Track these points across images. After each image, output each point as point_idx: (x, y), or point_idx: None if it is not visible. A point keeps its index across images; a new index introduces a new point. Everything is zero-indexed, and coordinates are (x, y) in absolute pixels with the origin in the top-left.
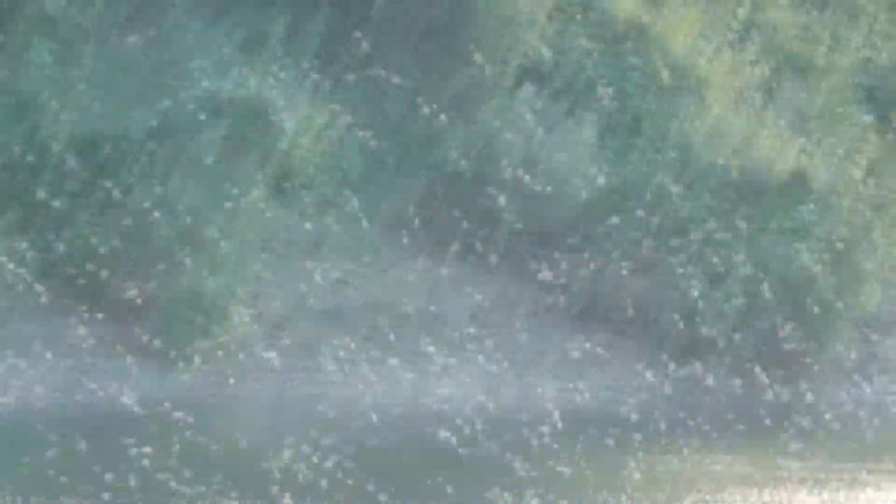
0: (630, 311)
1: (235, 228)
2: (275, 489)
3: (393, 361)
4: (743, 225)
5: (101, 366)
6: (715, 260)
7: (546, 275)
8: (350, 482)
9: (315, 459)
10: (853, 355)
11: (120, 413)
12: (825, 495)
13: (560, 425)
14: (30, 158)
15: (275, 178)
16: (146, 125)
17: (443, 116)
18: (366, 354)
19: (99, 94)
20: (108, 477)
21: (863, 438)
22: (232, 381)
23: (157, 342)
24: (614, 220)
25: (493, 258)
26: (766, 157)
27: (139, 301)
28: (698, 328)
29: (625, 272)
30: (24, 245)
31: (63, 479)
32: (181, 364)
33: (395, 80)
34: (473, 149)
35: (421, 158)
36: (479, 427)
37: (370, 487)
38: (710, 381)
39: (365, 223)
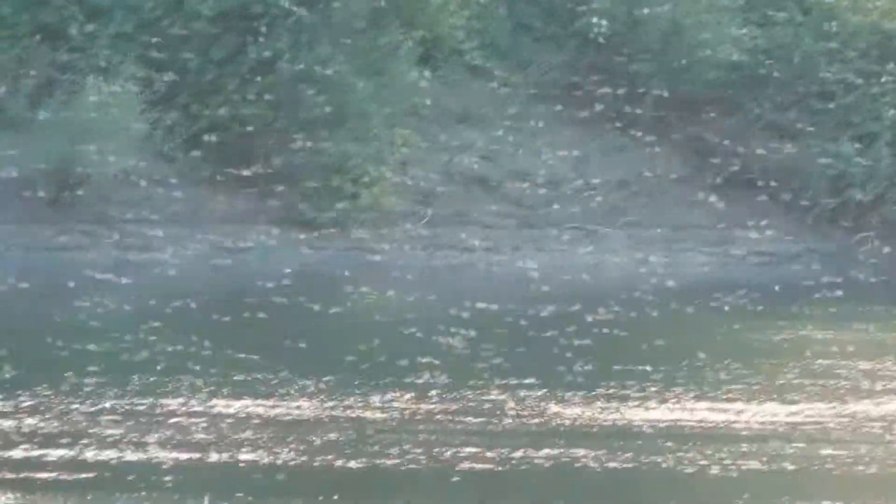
0: (776, 177)
1: (383, 96)
2: (420, 361)
3: (540, 230)
4: (891, 86)
5: (248, 234)
6: (862, 122)
7: (692, 144)
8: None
9: (459, 330)
10: None
11: (268, 278)
12: None
13: (704, 290)
14: (177, 28)
15: (423, 45)
16: None
17: None
18: (512, 221)
19: None
20: (287, 342)
21: None
22: (384, 247)
23: (305, 209)
24: (761, 85)
25: (640, 126)
26: None
27: (287, 170)
28: (848, 192)
29: (772, 138)
30: (174, 114)
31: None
32: (329, 231)
33: None
34: (619, 15)
35: (567, 25)
36: (628, 288)
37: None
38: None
39: (512, 90)
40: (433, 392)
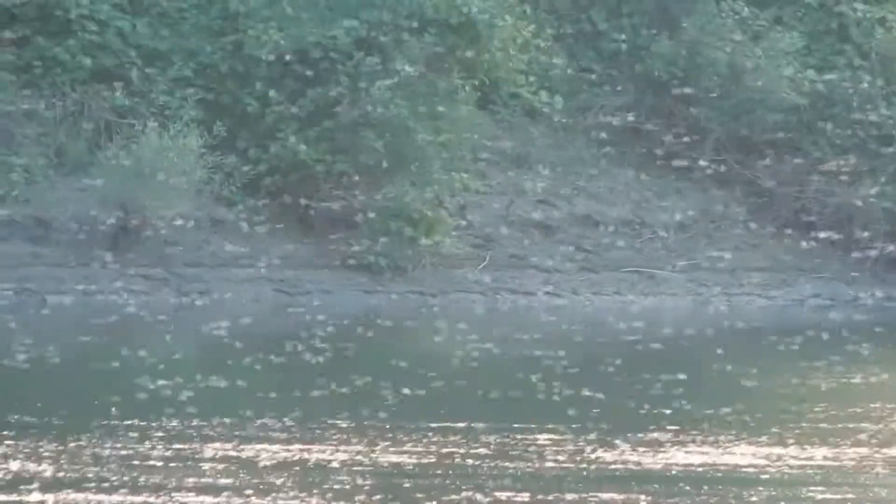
0: (835, 221)
1: (442, 140)
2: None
3: (599, 273)
4: None
5: (307, 278)
6: None
7: (751, 187)
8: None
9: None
10: None
11: (328, 322)
12: None
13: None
14: (239, 69)
15: (482, 89)
16: (353, 36)
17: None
18: (571, 265)
19: (306, 4)
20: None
21: None
22: (443, 291)
23: (364, 253)
24: (821, 125)
25: (700, 169)
26: None
27: (346, 213)
28: None
29: (831, 181)
30: (233, 158)
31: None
32: (388, 276)
33: None
34: (679, 59)
35: (626, 68)
36: (687, 332)
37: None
38: None
39: (571, 134)
40: (486, 436)
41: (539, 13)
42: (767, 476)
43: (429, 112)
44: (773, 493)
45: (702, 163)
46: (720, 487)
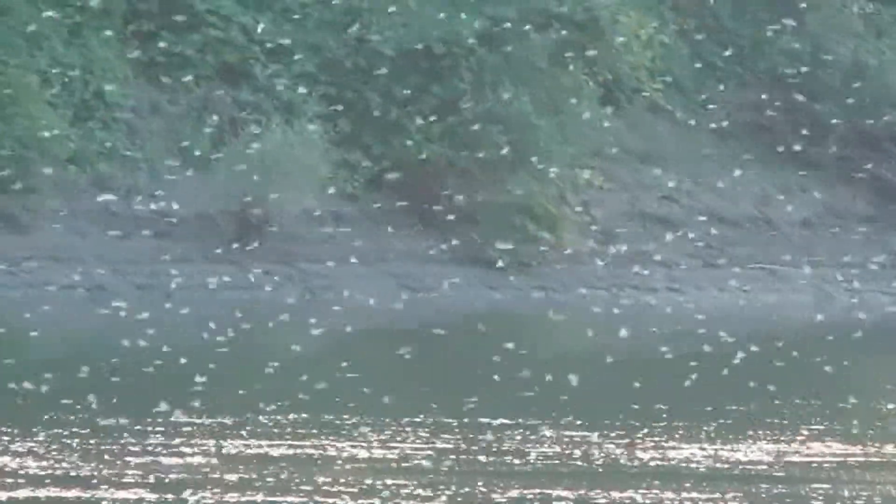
0: None
1: (565, 135)
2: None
3: (722, 269)
4: None
5: (430, 273)
6: None
7: (875, 182)
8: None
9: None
10: None
11: (449, 318)
12: None
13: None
14: (363, 64)
15: (605, 85)
16: (477, 31)
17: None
18: (695, 261)
19: None
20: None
21: None
22: (566, 286)
23: (487, 249)
24: None
25: (824, 165)
26: None
27: (469, 209)
28: None
29: None
30: (356, 153)
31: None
32: (510, 271)
33: None
34: (803, 55)
35: (750, 64)
36: (818, 327)
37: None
38: None
39: (694, 130)
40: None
41: (662, 8)
42: None
43: (552, 108)
44: None
45: (826, 158)
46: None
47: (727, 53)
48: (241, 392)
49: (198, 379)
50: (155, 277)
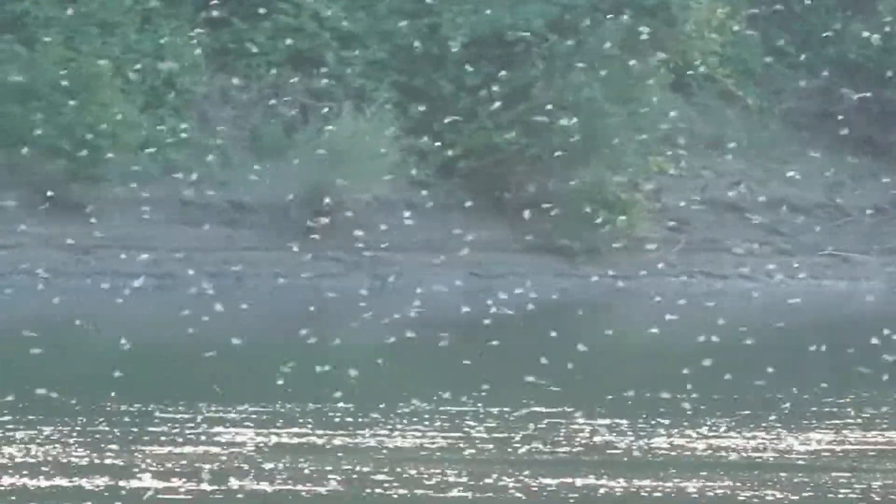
0: None
1: (636, 122)
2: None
3: (793, 256)
4: None
5: (501, 261)
6: None
7: None
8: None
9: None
10: None
11: (520, 305)
12: None
13: None
14: (434, 51)
15: (675, 71)
16: (548, 18)
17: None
18: (765, 248)
19: None
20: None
21: None
22: (637, 273)
23: (558, 236)
24: None
25: (893, 151)
26: None
27: (540, 196)
28: None
29: None
30: (427, 141)
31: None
32: (581, 259)
33: None
34: (872, 41)
35: (820, 51)
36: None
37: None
38: None
39: (765, 117)
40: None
41: None
42: None
43: (623, 95)
44: None
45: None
46: None
47: (797, 40)
48: (314, 382)
49: (275, 368)
50: (225, 265)
